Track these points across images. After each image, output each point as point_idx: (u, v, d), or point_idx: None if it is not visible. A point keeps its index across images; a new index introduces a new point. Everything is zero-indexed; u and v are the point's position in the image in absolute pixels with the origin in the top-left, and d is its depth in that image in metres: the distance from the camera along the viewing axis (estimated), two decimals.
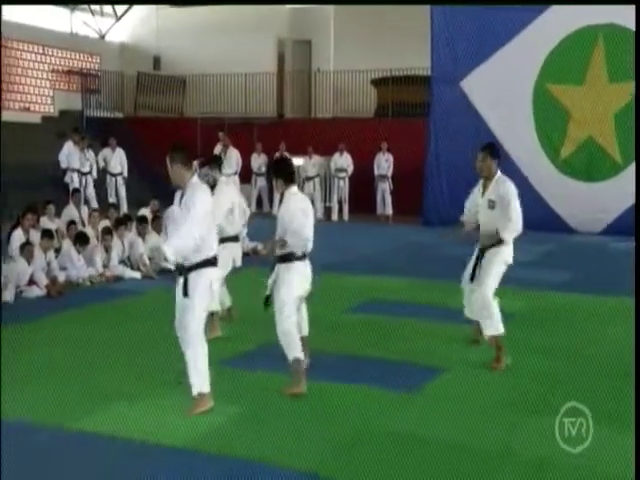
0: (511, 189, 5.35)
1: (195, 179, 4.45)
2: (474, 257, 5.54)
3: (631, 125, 12.66)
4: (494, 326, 5.36)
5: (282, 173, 4.87)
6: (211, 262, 4.39)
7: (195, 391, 4.35)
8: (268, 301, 4.80)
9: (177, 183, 4.43)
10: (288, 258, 4.78)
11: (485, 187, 5.49)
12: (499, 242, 5.36)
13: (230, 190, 6.27)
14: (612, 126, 12.97)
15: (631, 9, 12.23)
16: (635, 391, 3.94)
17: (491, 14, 13.25)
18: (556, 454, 3.84)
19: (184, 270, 4.35)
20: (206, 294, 4.38)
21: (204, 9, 19.52)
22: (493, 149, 5.53)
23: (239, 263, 6.17)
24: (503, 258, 5.40)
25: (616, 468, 3.69)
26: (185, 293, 4.33)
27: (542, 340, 6.03)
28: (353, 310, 7.06)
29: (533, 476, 3.65)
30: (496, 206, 5.34)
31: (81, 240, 8.33)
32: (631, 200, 12.75)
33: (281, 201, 4.91)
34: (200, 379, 4.34)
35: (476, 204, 5.59)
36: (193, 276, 4.34)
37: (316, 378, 4.95)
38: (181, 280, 4.38)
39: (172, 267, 9.77)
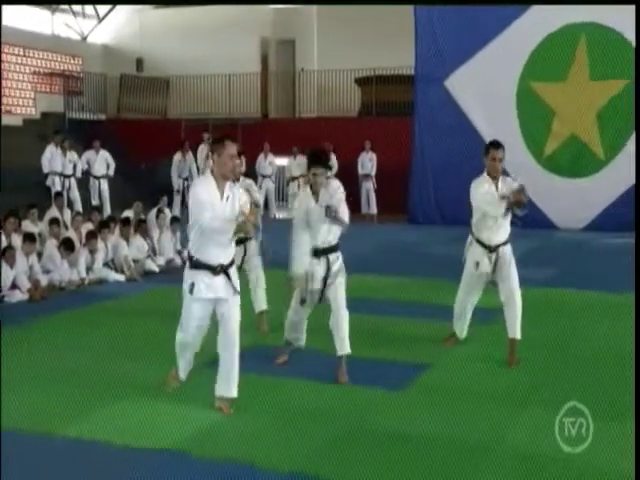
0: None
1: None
2: (483, 257, 5.36)
3: (614, 122, 12.80)
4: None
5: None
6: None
7: (234, 393, 4.32)
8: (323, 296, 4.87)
9: (224, 174, 4.23)
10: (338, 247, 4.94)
11: (495, 185, 5.36)
12: (508, 240, 5.40)
13: None
14: (595, 123, 13.07)
15: (612, 9, 12.38)
16: (635, 389, 3.95)
17: (475, 12, 13.28)
18: (542, 446, 3.85)
19: (223, 268, 4.25)
20: None
21: (187, 10, 19.44)
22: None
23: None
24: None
25: (604, 460, 3.71)
26: (235, 291, 4.28)
27: (527, 335, 6.04)
28: None
29: (518, 468, 3.64)
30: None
31: (66, 246, 8.25)
32: (613, 196, 12.90)
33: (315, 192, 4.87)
34: (236, 380, 4.34)
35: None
36: (233, 272, 4.31)
37: (303, 377, 4.94)
38: (219, 279, 4.24)
39: (156, 269, 9.69)
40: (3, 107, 17.25)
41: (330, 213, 4.71)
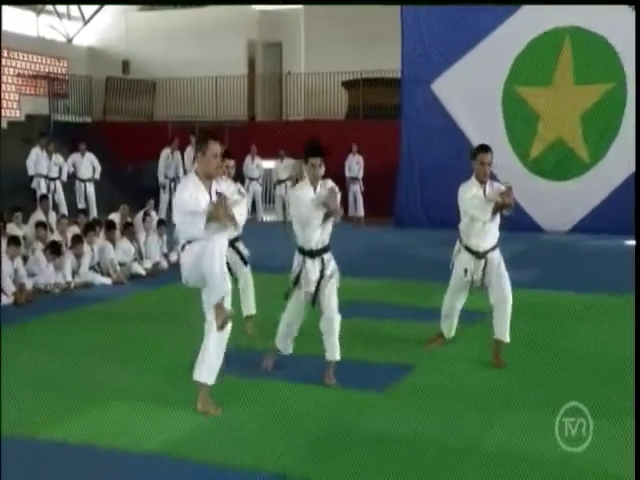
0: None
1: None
2: (471, 264, 5.36)
3: (598, 126, 12.92)
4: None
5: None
6: None
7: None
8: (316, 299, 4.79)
9: (209, 172, 4.28)
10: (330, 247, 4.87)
11: (483, 189, 5.37)
12: (496, 245, 5.39)
13: None
14: (579, 127, 13.17)
15: (597, 13, 12.50)
16: (635, 389, 3.99)
17: (461, 15, 13.33)
18: (521, 447, 3.87)
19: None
20: None
21: (173, 13, 19.40)
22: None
23: None
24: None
25: (599, 460, 3.74)
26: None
27: (512, 336, 6.08)
28: None
29: (495, 470, 3.65)
30: None
31: (53, 250, 8.19)
32: (598, 199, 13.02)
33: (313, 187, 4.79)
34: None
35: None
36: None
37: (289, 380, 4.94)
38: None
39: (143, 272, 9.68)
40: None
41: (331, 197, 4.60)
